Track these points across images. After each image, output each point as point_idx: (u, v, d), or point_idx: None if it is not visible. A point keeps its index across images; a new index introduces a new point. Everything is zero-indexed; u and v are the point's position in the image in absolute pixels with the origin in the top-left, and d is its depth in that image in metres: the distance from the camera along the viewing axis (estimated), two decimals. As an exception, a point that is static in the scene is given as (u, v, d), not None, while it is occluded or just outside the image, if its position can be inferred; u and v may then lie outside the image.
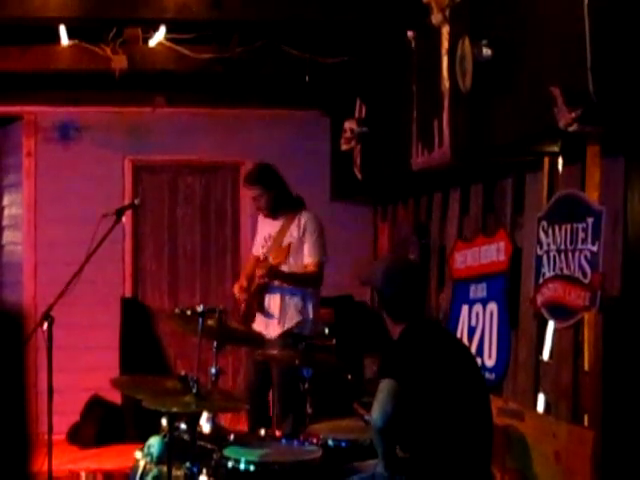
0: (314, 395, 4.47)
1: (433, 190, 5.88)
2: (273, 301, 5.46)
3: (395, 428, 3.37)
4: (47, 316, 4.63)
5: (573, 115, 3.07)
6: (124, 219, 5.11)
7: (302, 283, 5.45)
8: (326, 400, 4.83)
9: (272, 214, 5.58)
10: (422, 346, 3.54)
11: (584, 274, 3.87)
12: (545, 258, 4.20)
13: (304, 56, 6.04)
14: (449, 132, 4.40)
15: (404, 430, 3.48)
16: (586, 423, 3.94)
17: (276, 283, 5.43)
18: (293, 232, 5.46)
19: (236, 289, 5.59)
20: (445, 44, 4.36)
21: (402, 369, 3.43)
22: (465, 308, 5.13)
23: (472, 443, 3.47)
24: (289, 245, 5.36)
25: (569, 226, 4.00)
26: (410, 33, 5.02)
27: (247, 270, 5.73)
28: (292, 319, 5.42)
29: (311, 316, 5.48)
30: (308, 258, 5.42)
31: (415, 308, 3.65)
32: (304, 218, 5.48)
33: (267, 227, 5.66)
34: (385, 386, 3.36)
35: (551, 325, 4.35)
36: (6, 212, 7.82)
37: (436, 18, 4.40)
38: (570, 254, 3.99)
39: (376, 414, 3.33)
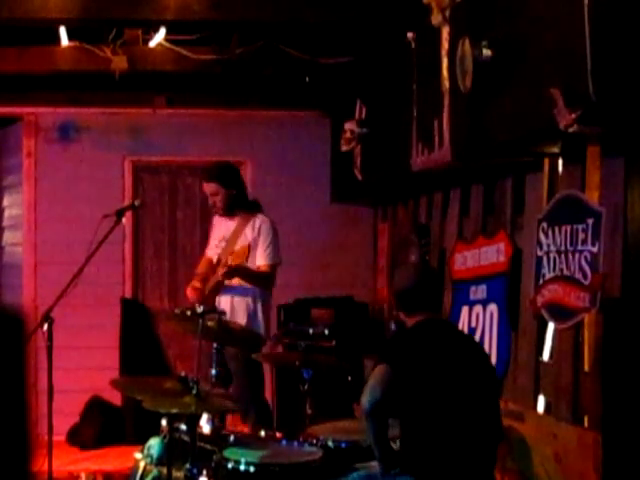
0: (314, 396, 4.47)
1: (433, 190, 5.88)
2: (224, 303, 5.39)
3: (385, 414, 3.38)
4: (47, 317, 4.63)
5: (573, 116, 3.07)
6: (124, 220, 5.11)
7: (256, 281, 5.39)
8: (326, 401, 4.83)
9: (228, 214, 5.53)
10: (430, 340, 3.55)
11: (584, 275, 3.87)
12: (545, 259, 4.20)
13: (304, 57, 6.04)
14: (449, 132, 4.40)
15: (402, 420, 3.49)
16: (586, 424, 3.94)
17: (234, 282, 5.34)
18: (247, 234, 5.41)
19: (189, 291, 5.50)
20: (445, 45, 4.35)
21: (400, 357, 3.44)
22: (465, 309, 5.13)
23: (472, 441, 3.46)
24: (248, 246, 5.36)
25: (569, 227, 4.00)
26: (410, 34, 5.02)
27: (200, 272, 5.65)
28: (241, 321, 5.31)
29: (260, 319, 5.40)
30: (261, 260, 5.36)
31: (429, 302, 3.65)
32: (259, 221, 5.42)
33: (222, 229, 5.61)
34: (378, 371, 3.39)
35: (551, 326, 4.35)
36: (6, 213, 7.82)
37: (436, 19, 4.40)
38: (570, 255, 3.98)
39: (364, 398, 3.35)
